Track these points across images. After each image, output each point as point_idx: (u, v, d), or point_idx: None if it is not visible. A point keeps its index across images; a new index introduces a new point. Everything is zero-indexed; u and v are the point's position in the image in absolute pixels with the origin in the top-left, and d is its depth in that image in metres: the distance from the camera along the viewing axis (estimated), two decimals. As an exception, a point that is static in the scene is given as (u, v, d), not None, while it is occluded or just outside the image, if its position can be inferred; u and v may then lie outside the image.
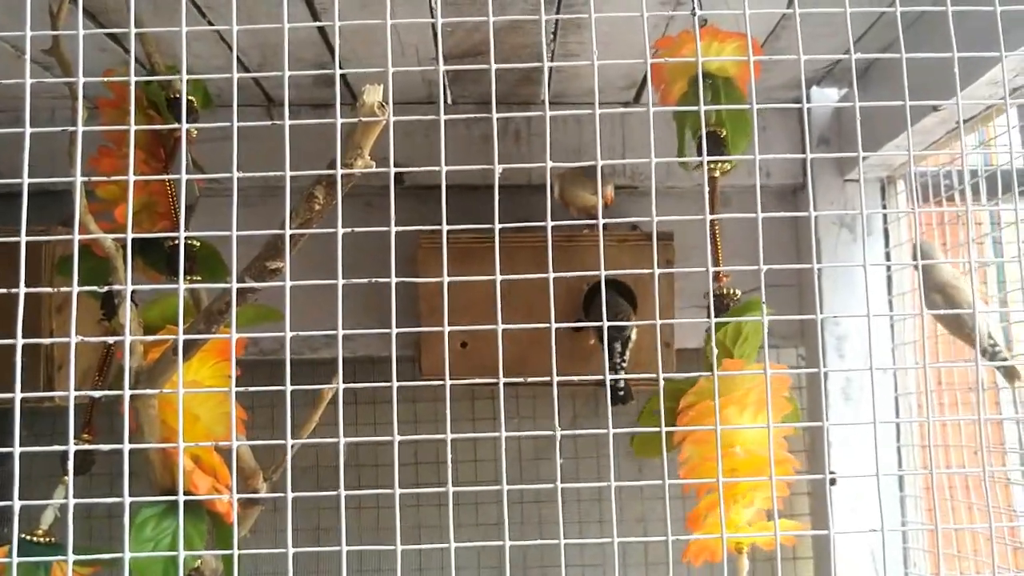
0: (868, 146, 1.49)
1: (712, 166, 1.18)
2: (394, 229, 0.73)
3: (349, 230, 0.73)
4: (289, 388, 0.71)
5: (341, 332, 0.72)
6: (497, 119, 1.61)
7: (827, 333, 1.55)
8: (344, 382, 1.80)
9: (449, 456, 0.69)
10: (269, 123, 0.76)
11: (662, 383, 0.69)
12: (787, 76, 1.52)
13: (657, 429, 0.83)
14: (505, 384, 1.32)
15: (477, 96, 1.59)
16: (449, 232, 1.33)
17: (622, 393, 1.30)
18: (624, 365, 1.31)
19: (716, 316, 1.15)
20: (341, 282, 0.71)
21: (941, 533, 0.74)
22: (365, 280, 0.74)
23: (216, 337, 0.86)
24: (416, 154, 1.59)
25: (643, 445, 1.12)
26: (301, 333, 0.75)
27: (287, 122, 0.73)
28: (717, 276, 1.21)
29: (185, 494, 1.01)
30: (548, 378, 0.72)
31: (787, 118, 1.60)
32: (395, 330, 0.71)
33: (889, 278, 1.56)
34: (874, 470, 0.74)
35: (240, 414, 1.05)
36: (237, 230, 0.76)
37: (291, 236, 0.80)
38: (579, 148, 1.60)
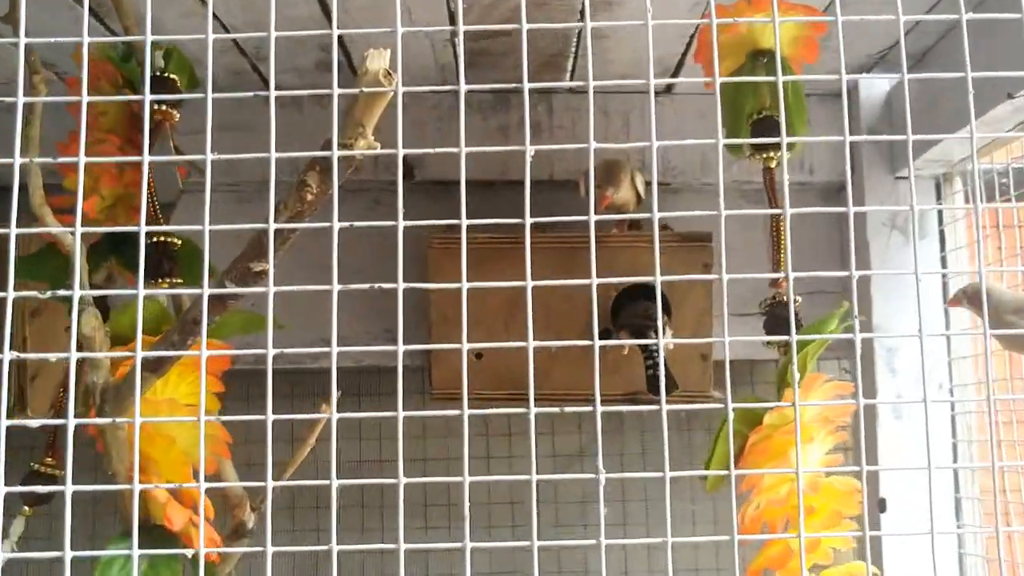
0: (916, 144, 1.36)
1: (767, 154, 1.05)
2: (402, 223, 0.60)
3: (347, 224, 0.60)
4: (271, 418, 0.59)
5: (336, 349, 0.59)
6: (516, 110, 1.50)
7: (876, 344, 1.43)
8: (348, 394, 1.69)
9: (466, 507, 0.56)
10: (251, 95, 0.63)
11: (731, 414, 0.56)
12: (835, 63, 1.39)
13: (724, 471, 0.70)
14: (522, 397, 1.20)
15: (494, 84, 1.46)
16: (469, 234, 1.22)
17: (666, 381, 1.18)
18: (660, 353, 1.19)
19: (777, 327, 1.03)
20: (336, 288, 0.59)
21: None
22: (366, 286, 0.61)
23: (186, 354, 0.74)
24: (428, 146, 1.47)
25: (717, 478, 0.99)
26: (287, 350, 0.63)
27: (272, 93, 0.60)
28: (776, 281, 1.08)
29: (159, 529, 0.89)
30: (590, 407, 0.59)
31: (834, 109, 1.48)
32: (402, 347, 0.59)
33: (945, 284, 1.43)
34: (926, 495, 0.61)
35: (223, 436, 0.92)
36: (223, 225, 0.63)
37: (279, 232, 0.67)
38: (605, 139, 1.47)
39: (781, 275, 1.00)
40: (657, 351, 1.20)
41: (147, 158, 0.60)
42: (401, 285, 0.60)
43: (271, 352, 0.59)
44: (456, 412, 0.61)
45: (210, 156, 0.60)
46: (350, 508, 1.64)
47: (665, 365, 1.19)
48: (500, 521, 1.65)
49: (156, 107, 0.98)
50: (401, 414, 0.59)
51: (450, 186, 1.49)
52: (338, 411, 1.72)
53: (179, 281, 0.98)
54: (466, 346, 0.61)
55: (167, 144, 1.01)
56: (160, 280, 0.97)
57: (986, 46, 1.14)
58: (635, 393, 1.25)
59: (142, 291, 0.59)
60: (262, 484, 0.59)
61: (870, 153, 1.46)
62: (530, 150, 0.58)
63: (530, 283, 0.61)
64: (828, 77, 0.65)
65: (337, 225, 0.59)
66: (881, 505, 1.37)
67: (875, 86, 1.47)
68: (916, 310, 1.33)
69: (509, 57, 1.35)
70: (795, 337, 0.59)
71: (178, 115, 1.01)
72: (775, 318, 1.06)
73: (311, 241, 0.74)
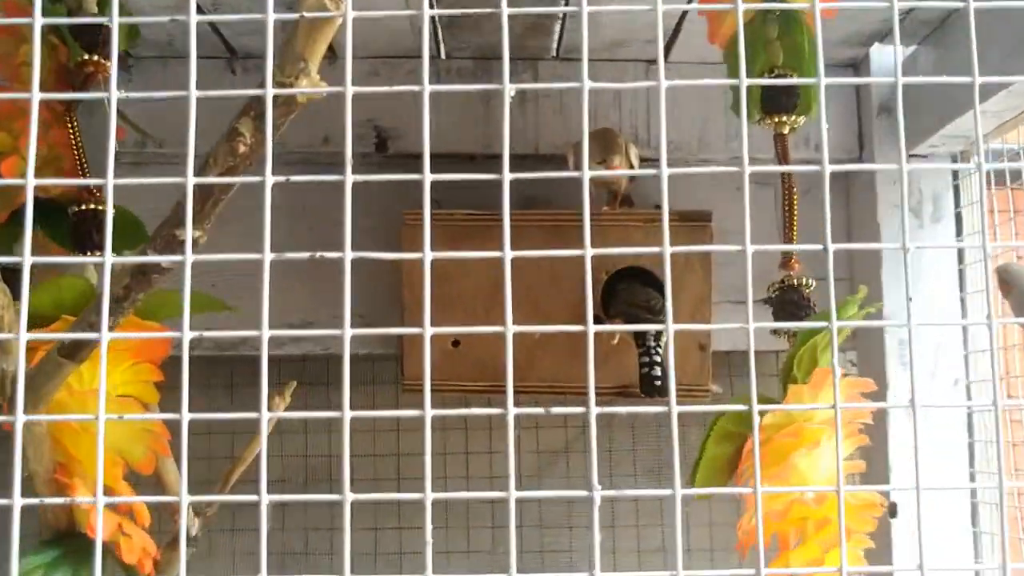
0: (941, 114, 1.27)
1: (780, 118, 0.95)
2: (351, 178, 0.50)
3: (283, 179, 0.49)
4: (186, 415, 0.48)
5: (267, 332, 0.49)
6: (500, 77, 1.39)
7: (887, 335, 1.33)
8: (316, 383, 1.58)
9: (428, 531, 0.45)
10: (167, 19, 0.52)
11: (756, 411, 0.45)
12: (846, 30, 1.29)
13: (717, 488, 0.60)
14: (505, 389, 1.09)
15: (475, 49, 1.36)
16: (441, 210, 1.11)
17: (659, 383, 1.08)
18: (660, 353, 1.09)
19: (787, 314, 0.93)
20: (269, 257, 0.48)
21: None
22: (305, 255, 0.51)
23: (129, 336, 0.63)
24: (403, 116, 1.38)
25: (708, 475, 0.89)
26: (213, 333, 0.52)
27: (193, 19, 0.50)
28: (787, 262, 0.98)
29: (82, 537, 0.78)
30: (579, 406, 0.48)
31: (842, 78, 1.38)
32: (349, 331, 0.48)
33: (961, 271, 1.34)
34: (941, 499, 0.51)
35: (161, 431, 0.81)
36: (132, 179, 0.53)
37: (208, 192, 0.57)
38: (595, 113, 1.37)
39: (806, 248, 0.90)
40: (655, 347, 1.10)
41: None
42: (349, 255, 0.49)
43: (187, 335, 0.49)
44: (417, 412, 0.50)
45: (115, 94, 0.49)
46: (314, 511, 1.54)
47: (664, 367, 1.10)
48: (479, 521, 1.55)
49: (88, 58, 0.87)
50: (347, 414, 0.48)
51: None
52: (308, 401, 1.59)
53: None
54: (430, 331, 0.50)
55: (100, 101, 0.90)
56: (90, 252, 0.86)
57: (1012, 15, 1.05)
58: (626, 386, 1.15)
59: (109, 260, 0.48)
60: (254, 499, 0.49)
61: (881, 129, 1.36)
62: (510, 88, 0.46)
63: (508, 254, 0.49)
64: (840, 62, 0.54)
65: (270, 180, 0.48)
66: (892, 510, 1.27)
67: (887, 56, 1.37)
68: (931, 296, 1.22)
69: (492, 19, 1.25)
70: (814, 325, 0.48)
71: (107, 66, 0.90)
72: (785, 303, 0.96)
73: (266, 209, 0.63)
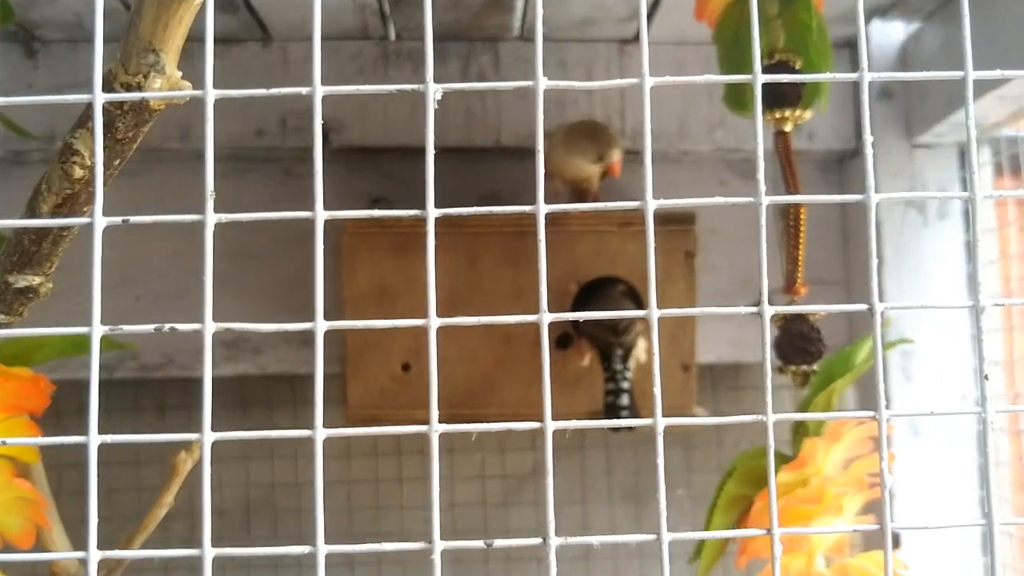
0: (949, 99, 1.24)
1: (781, 113, 0.92)
2: (212, 218, 0.46)
3: (118, 220, 0.44)
4: (95, 438, 0.44)
5: (210, 326, 0.44)
6: (455, 61, 1.35)
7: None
8: (255, 404, 1.54)
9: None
10: None
11: (772, 462, 0.42)
12: (843, 5, 1.26)
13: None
14: (463, 417, 1.06)
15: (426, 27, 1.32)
16: (386, 215, 1.08)
17: (626, 413, 1.05)
18: (628, 379, 1.06)
19: (793, 349, 0.89)
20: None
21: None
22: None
23: None
24: (347, 105, 1.33)
25: (713, 552, 0.85)
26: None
27: None
28: (792, 286, 0.94)
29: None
30: (537, 424, 0.44)
31: (839, 62, 1.35)
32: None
33: (972, 274, 1.31)
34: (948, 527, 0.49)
35: (38, 500, 0.76)
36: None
37: (45, 228, 0.51)
38: (562, 98, 1.33)
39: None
40: (623, 372, 1.07)
41: None
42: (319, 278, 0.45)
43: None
44: (422, 428, 0.45)
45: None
46: (263, 540, 1.50)
47: (632, 396, 1.07)
48: (442, 554, 1.51)
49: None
50: (320, 433, 0.44)
51: (375, 154, 1.34)
52: (250, 423, 1.55)
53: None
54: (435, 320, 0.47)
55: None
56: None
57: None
58: (598, 412, 1.12)
59: None
60: (195, 553, 0.44)
61: (882, 115, 1.34)
62: (434, 89, 0.41)
63: (431, 266, 0.46)
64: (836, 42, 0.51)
65: (101, 222, 0.39)
66: (895, 540, 1.25)
67: (888, 34, 1.35)
68: (938, 305, 1.19)
69: (441, -4, 1.21)
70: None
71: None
72: (792, 337, 0.92)
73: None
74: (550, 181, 1.18)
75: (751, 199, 0.37)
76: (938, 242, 1.33)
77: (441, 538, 0.38)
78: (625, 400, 1.07)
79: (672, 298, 1.13)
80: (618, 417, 1.07)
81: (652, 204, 0.36)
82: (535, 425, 0.37)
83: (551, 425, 0.37)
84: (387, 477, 1.52)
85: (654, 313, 0.36)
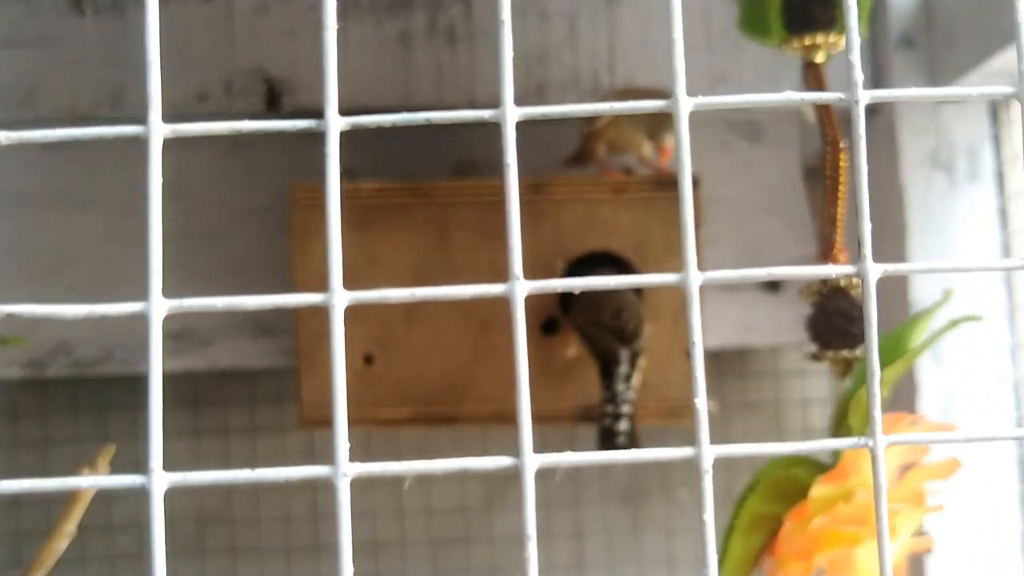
0: (982, 45, 1.20)
1: (812, 41, 0.87)
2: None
3: None
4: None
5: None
6: (421, 11, 1.31)
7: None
8: (210, 403, 1.49)
9: None
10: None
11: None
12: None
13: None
14: (435, 417, 1.01)
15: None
16: (349, 185, 1.03)
17: (623, 440, 1.01)
18: (629, 395, 1.01)
19: (832, 330, 0.83)
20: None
21: None
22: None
23: None
24: (300, 62, 1.29)
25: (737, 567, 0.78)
26: None
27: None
28: (828, 250, 0.89)
29: None
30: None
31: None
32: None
33: (1006, 242, 1.28)
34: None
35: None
36: None
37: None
38: (544, 53, 1.29)
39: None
40: (625, 393, 1.03)
41: None
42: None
43: None
44: (508, 460, 0.38)
45: None
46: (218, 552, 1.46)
47: (632, 421, 1.03)
48: (416, 567, 1.48)
49: None
50: (160, 475, 0.39)
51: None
52: (200, 426, 1.49)
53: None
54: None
55: None
56: None
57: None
58: (590, 408, 1.07)
59: None
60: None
61: (902, 66, 1.29)
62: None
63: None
64: None
65: None
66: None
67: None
68: (968, 274, 1.15)
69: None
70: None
71: None
72: (830, 314, 0.87)
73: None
74: (592, 149, 1.14)
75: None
76: (967, 207, 1.29)
77: (419, 546, 0.33)
78: (624, 425, 1.03)
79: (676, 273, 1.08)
80: (614, 445, 1.03)
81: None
82: (505, 463, 0.30)
83: (530, 461, 0.30)
84: (355, 483, 1.48)
85: (693, 277, 0.30)
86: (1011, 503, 1.24)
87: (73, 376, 1.34)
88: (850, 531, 0.71)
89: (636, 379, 1.04)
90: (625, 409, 1.02)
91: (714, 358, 1.37)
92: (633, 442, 1.04)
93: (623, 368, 1.03)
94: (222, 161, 1.32)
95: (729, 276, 0.30)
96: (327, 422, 1.02)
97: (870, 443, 0.29)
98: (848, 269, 0.29)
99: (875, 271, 0.30)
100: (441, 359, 1.06)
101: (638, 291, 1.09)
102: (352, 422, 0.96)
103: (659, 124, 1.10)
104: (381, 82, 1.27)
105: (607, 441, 1.03)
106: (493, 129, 1.11)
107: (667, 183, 1.10)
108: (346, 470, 0.28)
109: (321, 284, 1.03)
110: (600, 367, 1.06)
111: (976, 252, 1.28)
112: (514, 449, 1.09)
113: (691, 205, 0.28)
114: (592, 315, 1.05)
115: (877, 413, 0.29)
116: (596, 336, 1.04)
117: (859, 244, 0.28)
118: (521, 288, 0.29)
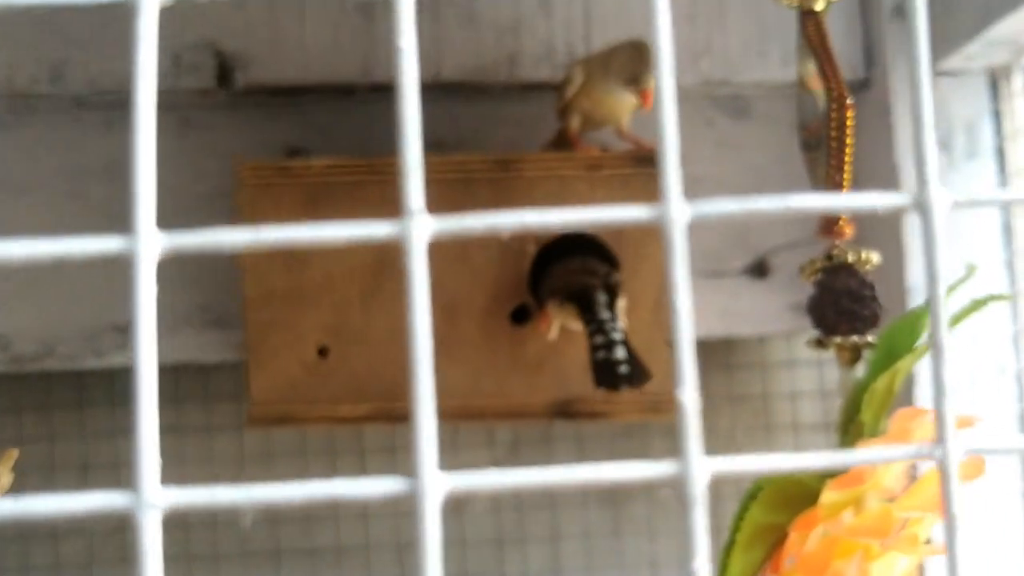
0: (983, 11, 1.18)
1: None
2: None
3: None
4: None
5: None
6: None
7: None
8: (164, 399, 1.47)
9: None
10: None
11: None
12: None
13: None
14: (394, 414, 0.99)
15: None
16: (299, 163, 1.00)
17: (623, 368, 0.92)
18: (620, 328, 0.94)
19: (835, 313, 0.80)
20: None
21: None
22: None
23: None
24: (255, 34, 1.25)
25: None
26: None
27: None
28: (832, 226, 0.85)
29: None
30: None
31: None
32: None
33: (1007, 224, 1.26)
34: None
35: None
36: None
37: None
38: (516, 23, 1.26)
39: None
40: (611, 320, 0.96)
41: None
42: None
43: None
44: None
45: None
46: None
47: (629, 346, 0.94)
48: (382, 570, 1.45)
49: None
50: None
51: (292, 95, 1.26)
52: (158, 419, 1.48)
53: None
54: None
55: None
56: None
57: None
58: (569, 402, 1.03)
59: None
60: None
61: (896, 37, 1.27)
62: None
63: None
64: None
65: None
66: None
67: (902, -62, 1.29)
68: (966, 255, 1.12)
69: None
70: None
71: None
72: (835, 294, 0.83)
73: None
74: (567, 126, 1.10)
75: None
76: (966, 185, 1.27)
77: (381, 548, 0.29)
78: (621, 353, 0.94)
79: (653, 257, 1.05)
80: (617, 375, 0.94)
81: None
82: (398, 486, 0.22)
83: (429, 485, 0.23)
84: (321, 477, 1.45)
85: (676, 212, 0.26)
86: (1012, 503, 1.23)
87: (12, 373, 1.31)
88: (864, 544, 0.67)
89: (619, 310, 0.98)
90: (617, 336, 0.94)
91: (697, 348, 1.33)
92: (638, 370, 0.95)
93: (601, 297, 0.97)
94: (171, 142, 1.28)
95: (725, 209, 0.25)
96: (280, 420, 0.97)
97: (937, 453, 0.23)
98: (904, 198, 0.24)
99: (943, 202, 0.25)
100: (400, 350, 1.00)
101: (613, 266, 1.05)
102: (307, 420, 0.92)
103: (638, 68, 1.07)
104: (340, 55, 1.24)
105: (608, 377, 0.94)
106: (459, 105, 1.07)
107: (645, 159, 1.06)
108: (154, 500, 0.22)
109: (275, 275, 0.98)
110: (578, 309, 1.00)
111: (974, 234, 1.27)
112: (487, 440, 1.04)
113: (675, 138, 0.24)
114: (565, 273, 1.01)
115: (948, 412, 0.24)
116: (570, 280, 0.99)
117: (919, 172, 0.24)
118: (420, 226, 0.23)
